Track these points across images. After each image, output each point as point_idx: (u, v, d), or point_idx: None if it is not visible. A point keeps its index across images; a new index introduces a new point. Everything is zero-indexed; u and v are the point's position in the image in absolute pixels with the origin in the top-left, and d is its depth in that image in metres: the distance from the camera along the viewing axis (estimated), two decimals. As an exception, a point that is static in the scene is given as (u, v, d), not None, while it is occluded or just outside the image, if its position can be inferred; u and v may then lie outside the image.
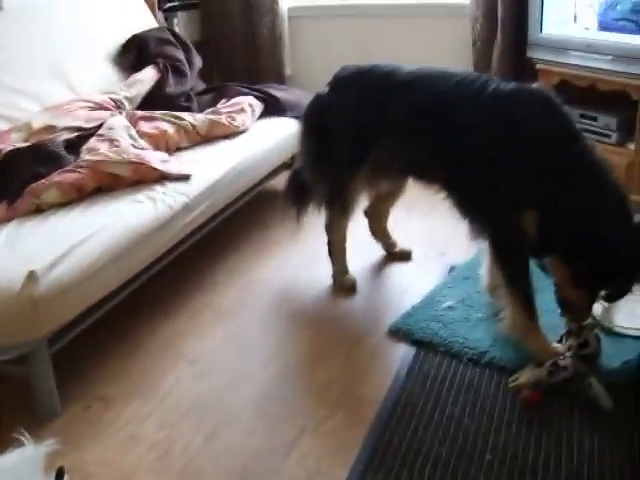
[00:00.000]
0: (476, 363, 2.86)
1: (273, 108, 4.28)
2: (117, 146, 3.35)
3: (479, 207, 2.93)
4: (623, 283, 2.74)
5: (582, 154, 2.71)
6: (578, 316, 2.79)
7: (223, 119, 3.90)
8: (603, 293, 2.81)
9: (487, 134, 2.82)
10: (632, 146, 4.10)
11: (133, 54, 4.40)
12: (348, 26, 5.26)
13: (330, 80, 3.30)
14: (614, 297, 2.84)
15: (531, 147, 2.73)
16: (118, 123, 3.60)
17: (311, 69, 5.23)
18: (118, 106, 3.94)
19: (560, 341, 2.81)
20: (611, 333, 2.96)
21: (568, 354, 2.69)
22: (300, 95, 4.38)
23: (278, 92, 4.41)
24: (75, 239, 2.75)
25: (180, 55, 4.49)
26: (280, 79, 5.22)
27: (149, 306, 3.32)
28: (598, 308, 3.05)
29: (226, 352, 3.03)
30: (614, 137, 4.18)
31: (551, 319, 2.90)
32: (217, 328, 3.19)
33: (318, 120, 3.32)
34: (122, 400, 2.74)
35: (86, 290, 2.72)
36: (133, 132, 3.57)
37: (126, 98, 4.03)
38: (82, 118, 3.69)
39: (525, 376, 2.68)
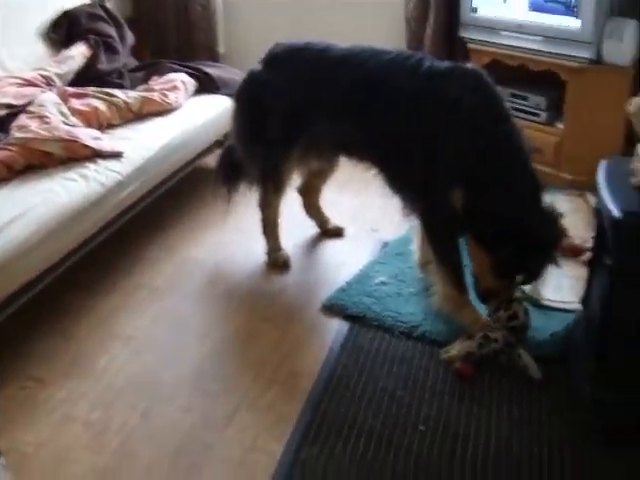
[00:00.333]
0: (408, 337, 2.91)
1: (206, 85, 4.25)
2: (48, 123, 3.29)
3: (410, 184, 2.97)
4: (537, 266, 2.83)
5: (510, 136, 2.77)
6: (500, 303, 2.84)
7: (156, 96, 3.87)
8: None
9: (420, 111, 2.85)
10: (561, 125, 4.19)
11: (64, 30, 4.30)
12: (283, 4, 5.23)
13: (263, 57, 3.30)
14: (528, 280, 2.92)
15: (462, 125, 2.77)
16: (49, 100, 3.54)
17: (245, 47, 5.19)
18: (48, 83, 3.86)
19: (490, 314, 2.86)
20: (539, 306, 3.04)
21: (498, 326, 2.75)
22: (234, 73, 4.36)
23: (212, 69, 4.38)
24: (5, 218, 2.72)
25: (112, 31, 4.41)
26: (214, 56, 5.17)
27: (82, 285, 3.29)
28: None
29: (161, 330, 3.03)
30: (543, 116, 4.26)
31: (481, 293, 2.96)
32: (151, 306, 3.18)
33: (251, 97, 3.31)
34: (57, 380, 2.72)
35: (17, 269, 2.69)
36: (64, 109, 3.51)
37: (57, 74, 3.95)
38: (11, 95, 3.60)
39: (456, 348, 2.74)
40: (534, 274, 2.87)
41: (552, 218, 2.78)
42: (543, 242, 2.73)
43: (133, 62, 4.58)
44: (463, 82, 2.83)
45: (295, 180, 3.55)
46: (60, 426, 2.50)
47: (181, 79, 4.12)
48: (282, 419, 2.50)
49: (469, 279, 2.94)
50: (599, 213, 2.51)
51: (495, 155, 2.73)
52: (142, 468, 2.32)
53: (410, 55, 3.00)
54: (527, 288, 3.10)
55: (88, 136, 3.30)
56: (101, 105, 3.65)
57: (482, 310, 2.91)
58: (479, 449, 2.35)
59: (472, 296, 2.93)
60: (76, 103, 3.62)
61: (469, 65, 2.97)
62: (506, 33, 4.31)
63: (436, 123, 2.82)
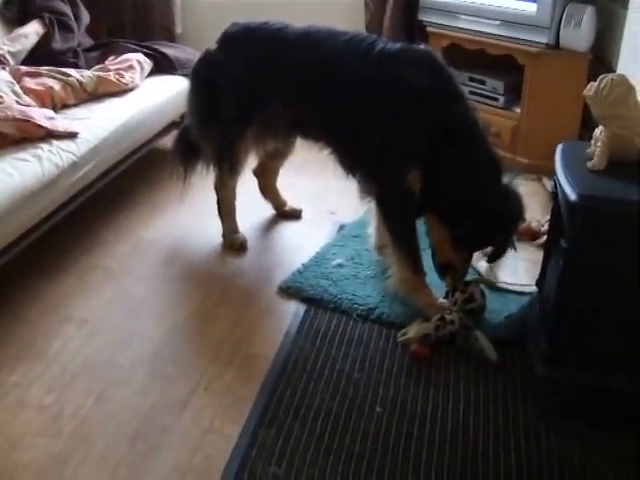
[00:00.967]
0: (365, 319, 2.92)
1: (163, 66, 4.23)
2: (0, 102, 3.23)
3: (364, 167, 2.97)
4: (500, 243, 2.85)
5: (464, 115, 2.78)
6: (456, 277, 2.87)
7: (111, 76, 3.82)
8: (484, 255, 2.95)
9: (371, 94, 2.86)
10: (518, 109, 4.22)
11: (17, 7, 4.23)
12: (240, -16, 5.19)
13: (220, 36, 3.27)
14: (494, 257, 2.94)
15: (413, 107, 2.77)
16: (1, 79, 3.48)
17: (202, 27, 5.14)
18: (1, 61, 3.80)
19: (446, 296, 2.88)
20: (495, 289, 3.06)
21: (454, 308, 2.77)
22: (190, 53, 4.33)
23: (168, 50, 4.35)
24: (-45, 199, 2.66)
25: (67, 9, 4.34)
26: (170, 37, 5.10)
27: (35, 267, 3.24)
28: (483, 265, 3.14)
29: (116, 313, 2.99)
30: (501, 100, 4.29)
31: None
32: (106, 289, 3.14)
33: (207, 77, 3.28)
34: (8, 364, 2.66)
35: (-32, 251, 2.64)
36: (17, 88, 3.46)
37: (9, 53, 3.88)
38: (-38, 74, 3.54)
39: (413, 330, 2.75)
40: (498, 250, 2.89)
41: (512, 195, 2.81)
42: (503, 218, 2.75)
43: (88, 41, 4.53)
44: (414, 63, 2.84)
45: (252, 162, 3.53)
46: (13, 411, 2.45)
47: (137, 59, 4.08)
48: (239, 401, 2.50)
49: (427, 260, 2.94)
50: (555, 196, 2.53)
51: (447, 135, 2.73)
52: (98, 452, 2.29)
53: (365, 37, 3.01)
54: (483, 271, 3.13)
55: (42, 116, 3.24)
56: (55, 85, 3.60)
57: (439, 292, 2.93)
58: (436, 430, 2.37)
59: (428, 279, 2.95)
60: (30, 82, 3.56)
61: (421, 46, 2.97)
62: (465, 17, 4.33)
63: (387, 105, 2.83)
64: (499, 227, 2.76)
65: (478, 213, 2.68)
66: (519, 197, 2.82)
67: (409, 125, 2.78)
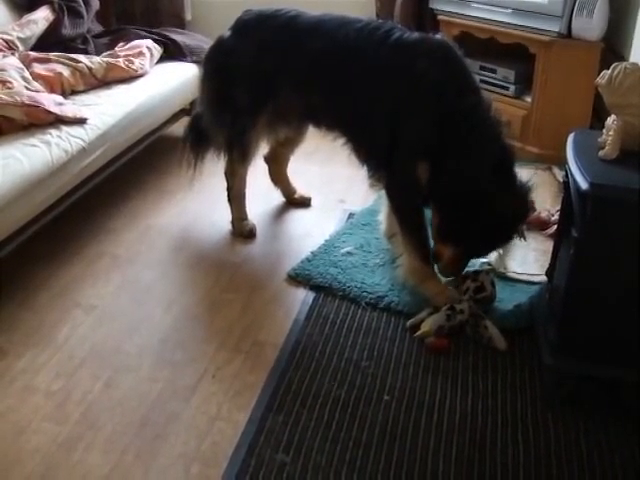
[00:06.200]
0: (374, 307, 2.91)
1: (172, 52, 4.23)
2: (10, 88, 3.23)
3: (376, 155, 2.95)
4: (495, 242, 2.83)
5: (474, 109, 2.73)
6: (448, 269, 2.86)
7: (121, 62, 3.81)
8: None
9: (385, 83, 2.83)
10: (529, 99, 4.20)
11: (27, -7, 4.23)
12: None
13: (233, 23, 3.25)
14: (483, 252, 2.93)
15: (424, 98, 2.75)
16: (11, 64, 3.47)
17: (212, 14, 5.14)
18: (10, 47, 3.79)
19: (457, 286, 2.87)
20: (504, 278, 3.05)
21: (465, 297, 2.76)
22: (200, 40, 4.33)
23: (178, 36, 4.34)
24: (-36, 184, 2.66)
25: (76, -5, 4.34)
26: (180, 23, 5.10)
27: (43, 254, 3.24)
28: (493, 254, 3.13)
29: (123, 299, 2.99)
30: (512, 89, 4.27)
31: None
32: (114, 275, 3.14)
33: (219, 64, 3.26)
34: (15, 350, 2.67)
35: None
36: (26, 74, 3.45)
37: (19, 39, 3.87)
38: (-28, 59, 3.54)
39: (428, 324, 2.73)
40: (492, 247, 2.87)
41: (516, 194, 2.74)
42: (498, 216, 2.67)
43: (98, 28, 4.53)
44: (428, 54, 2.80)
45: (262, 149, 3.52)
46: (21, 396, 2.46)
47: (147, 45, 4.07)
48: (247, 388, 2.49)
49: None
50: (566, 186, 2.51)
51: (456, 127, 2.69)
52: (105, 438, 2.29)
53: (380, 25, 2.95)
54: (493, 260, 3.11)
55: (51, 101, 3.24)
56: (65, 70, 3.59)
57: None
58: (443, 419, 2.36)
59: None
60: (39, 68, 3.56)
61: (438, 37, 2.92)
62: (476, 5, 4.31)
63: (398, 97, 2.80)
64: (494, 225, 2.69)
65: (472, 208, 2.63)
66: (525, 197, 2.75)
67: (419, 117, 2.75)
